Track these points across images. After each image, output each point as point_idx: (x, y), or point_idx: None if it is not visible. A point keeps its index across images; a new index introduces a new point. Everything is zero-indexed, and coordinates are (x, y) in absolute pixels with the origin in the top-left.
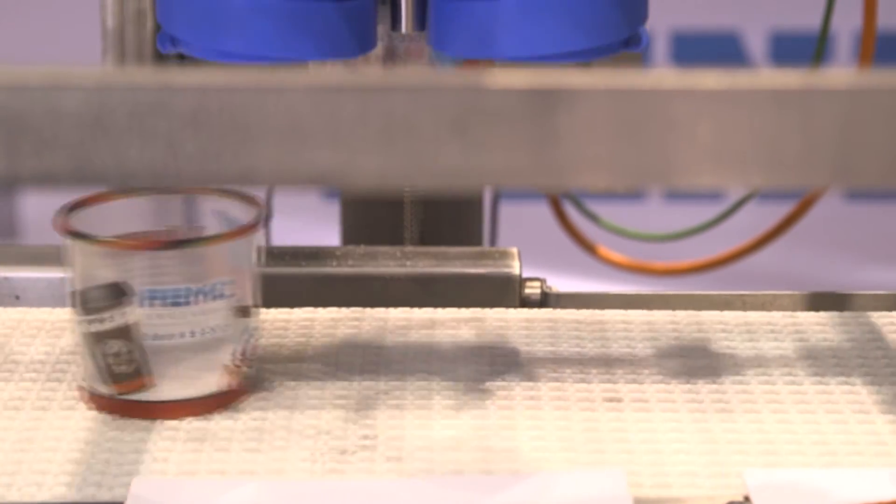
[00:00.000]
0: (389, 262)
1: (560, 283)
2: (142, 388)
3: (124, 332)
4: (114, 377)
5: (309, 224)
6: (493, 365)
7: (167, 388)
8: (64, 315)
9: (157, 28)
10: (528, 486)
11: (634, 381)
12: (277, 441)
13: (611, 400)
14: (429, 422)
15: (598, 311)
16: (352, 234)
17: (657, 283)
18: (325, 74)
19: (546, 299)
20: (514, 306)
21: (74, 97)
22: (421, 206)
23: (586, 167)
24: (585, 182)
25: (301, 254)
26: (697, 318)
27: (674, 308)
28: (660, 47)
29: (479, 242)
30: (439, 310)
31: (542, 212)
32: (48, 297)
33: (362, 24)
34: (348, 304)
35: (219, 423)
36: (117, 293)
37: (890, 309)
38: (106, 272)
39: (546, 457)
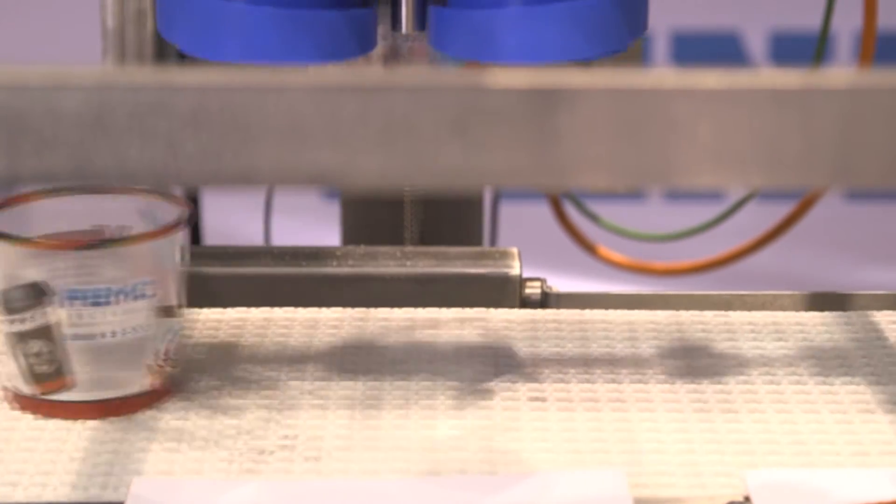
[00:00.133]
0: (389, 263)
1: (560, 283)
2: (63, 387)
3: (45, 332)
4: (35, 377)
5: (309, 224)
6: (496, 365)
7: (89, 389)
8: None
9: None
10: (527, 486)
11: (639, 382)
12: (197, 441)
13: (615, 400)
14: (433, 422)
15: (601, 312)
16: (352, 234)
17: (657, 283)
18: (326, 74)
19: (546, 299)
20: (515, 306)
21: (74, 97)
22: (421, 206)
23: (587, 167)
24: (586, 182)
25: (301, 254)
26: (701, 318)
27: (674, 308)
28: (660, 47)
29: (479, 242)
30: (442, 310)
31: (542, 212)
32: None
33: (363, 27)
34: (349, 305)
35: (140, 423)
36: (38, 293)
37: (891, 309)
38: (29, 272)
39: (551, 457)
